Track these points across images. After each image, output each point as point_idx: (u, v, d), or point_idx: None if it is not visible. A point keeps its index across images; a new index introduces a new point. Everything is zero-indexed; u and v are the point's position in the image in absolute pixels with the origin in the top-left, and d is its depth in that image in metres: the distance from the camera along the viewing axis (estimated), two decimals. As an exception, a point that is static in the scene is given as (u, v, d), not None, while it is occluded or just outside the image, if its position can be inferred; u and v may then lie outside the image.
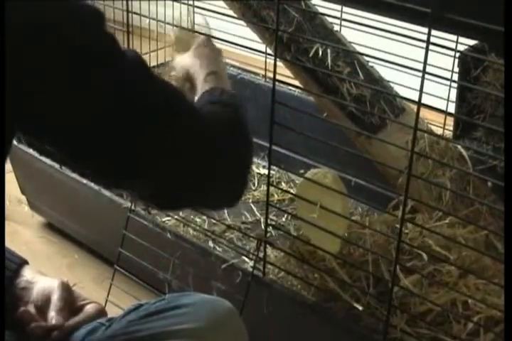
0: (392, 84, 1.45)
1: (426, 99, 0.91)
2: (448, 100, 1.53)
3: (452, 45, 1.40)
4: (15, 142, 1.63)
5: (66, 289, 0.93)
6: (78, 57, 0.67)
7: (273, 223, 1.58)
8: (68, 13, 0.66)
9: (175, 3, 1.60)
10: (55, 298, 0.91)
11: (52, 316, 0.89)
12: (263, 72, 1.87)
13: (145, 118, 0.74)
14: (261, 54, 1.77)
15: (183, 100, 0.80)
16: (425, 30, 0.83)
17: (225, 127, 0.86)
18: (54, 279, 0.95)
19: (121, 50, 0.72)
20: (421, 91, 0.87)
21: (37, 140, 0.76)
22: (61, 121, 0.70)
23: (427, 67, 0.85)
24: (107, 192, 1.48)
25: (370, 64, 1.41)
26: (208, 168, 0.82)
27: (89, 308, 0.94)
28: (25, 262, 0.97)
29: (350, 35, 1.43)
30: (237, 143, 0.88)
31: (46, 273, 1.01)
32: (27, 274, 0.95)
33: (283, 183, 1.81)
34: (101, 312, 0.94)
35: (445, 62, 1.42)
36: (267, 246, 1.21)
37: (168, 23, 1.78)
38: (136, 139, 0.74)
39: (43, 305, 0.92)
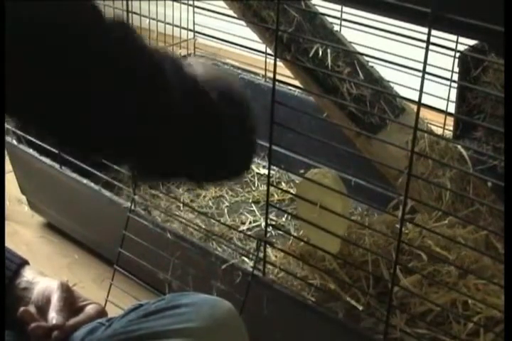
0: (392, 84, 1.45)
1: (426, 99, 0.91)
2: (448, 100, 1.53)
3: (452, 45, 1.40)
4: (15, 142, 1.63)
5: (66, 290, 0.93)
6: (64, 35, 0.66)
7: (273, 223, 1.58)
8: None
9: (175, 3, 1.60)
10: (55, 298, 0.92)
11: (53, 316, 0.89)
12: (263, 72, 1.87)
13: (126, 87, 0.72)
14: (261, 54, 1.78)
15: (172, 69, 0.79)
16: (425, 30, 0.83)
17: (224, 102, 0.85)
18: (54, 280, 0.95)
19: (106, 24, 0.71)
20: (421, 91, 0.87)
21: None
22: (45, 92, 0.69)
23: (427, 67, 0.85)
24: (107, 192, 1.48)
25: (370, 64, 1.41)
26: (203, 135, 0.81)
27: (90, 309, 0.94)
28: (25, 262, 0.97)
29: (350, 35, 1.43)
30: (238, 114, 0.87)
31: (46, 273, 1.01)
32: (27, 275, 0.95)
33: (283, 183, 1.81)
34: (101, 313, 0.95)
35: (445, 62, 1.42)
36: (267, 246, 1.21)
37: (168, 23, 1.79)
38: (117, 109, 0.73)
39: (43, 306, 0.92)
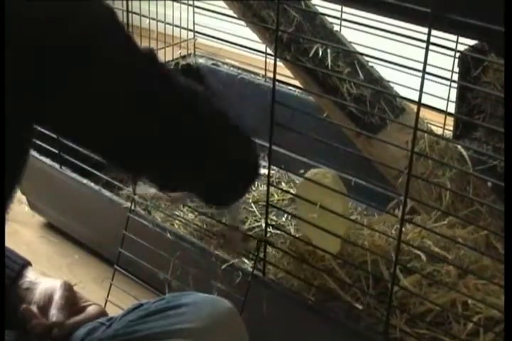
0: (392, 84, 1.45)
1: (426, 99, 0.91)
2: (448, 100, 1.53)
3: (452, 45, 1.40)
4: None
5: (68, 289, 0.93)
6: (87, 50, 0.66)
7: (273, 223, 1.58)
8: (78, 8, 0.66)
9: (175, 3, 1.60)
10: (57, 296, 0.92)
11: (54, 314, 0.90)
12: (263, 72, 1.87)
13: (152, 113, 0.73)
14: (261, 54, 1.77)
15: (200, 100, 0.80)
16: (425, 30, 0.83)
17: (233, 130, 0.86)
18: (57, 280, 0.95)
19: (135, 46, 0.72)
20: (421, 91, 0.87)
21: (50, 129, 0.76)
22: (69, 111, 0.70)
23: (427, 67, 0.85)
24: (107, 192, 1.48)
25: (370, 64, 1.41)
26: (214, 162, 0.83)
27: (91, 309, 0.94)
28: (28, 263, 0.98)
29: (350, 35, 1.43)
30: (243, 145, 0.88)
31: (46, 273, 1.01)
32: (30, 275, 0.96)
33: (283, 183, 1.80)
34: (102, 314, 0.95)
35: (445, 62, 1.42)
36: (267, 246, 1.21)
37: (168, 23, 1.79)
38: (140, 131, 0.74)
39: (45, 305, 0.92)
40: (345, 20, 1.15)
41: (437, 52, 1.04)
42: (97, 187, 1.49)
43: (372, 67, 1.42)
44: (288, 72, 1.36)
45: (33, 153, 1.59)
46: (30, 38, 0.64)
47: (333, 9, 1.38)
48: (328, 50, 1.33)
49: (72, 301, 0.93)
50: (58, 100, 0.68)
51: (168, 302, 0.93)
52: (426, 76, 0.86)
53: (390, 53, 1.42)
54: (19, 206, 1.83)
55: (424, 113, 1.03)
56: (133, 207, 1.40)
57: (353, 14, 1.34)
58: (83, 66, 0.68)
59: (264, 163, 1.82)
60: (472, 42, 1.41)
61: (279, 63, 1.16)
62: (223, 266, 1.25)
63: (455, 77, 1.46)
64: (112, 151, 0.77)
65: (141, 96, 0.72)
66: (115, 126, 0.72)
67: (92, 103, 0.70)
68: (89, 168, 1.49)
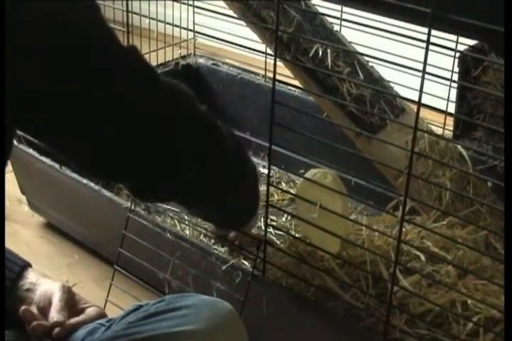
0: (392, 84, 1.45)
1: (426, 99, 0.91)
2: (448, 100, 1.53)
3: (452, 45, 1.40)
4: (15, 142, 1.63)
5: (67, 291, 0.94)
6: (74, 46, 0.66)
7: (273, 223, 1.58)
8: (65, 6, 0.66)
9: (175, 3, 1.60)
10: (56, 298, 0.92)
11: (53, 316, 0.90)
12: (263, 72, 1.87)
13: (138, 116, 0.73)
14: (261, 54, 1.78)
15: (184, 101, 0.80)
16: (425, 30, 0.83)
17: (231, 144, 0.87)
18: (56, 282, 0.96)
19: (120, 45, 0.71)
20: (421, 91, 0.87)
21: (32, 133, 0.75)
22: (56, 111, 0.69)
23: (427, 67, 0.85)
24: (107, 192, 1.48)
25: (370, 64, 1.41)
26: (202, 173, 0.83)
27: (91, 311, 0.94)
28: (28, 265, 0.98)
29: (350, 35, 1.43)
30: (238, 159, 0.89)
31: (46, 273, 1.01)
32: (31, 277, 0.96)
33: (283, 183, 1.80)
34: (102, 315, 0.95)
35: (445, 62, 1.42)
36: (267, 246, 1.21)
37: (168, 23, 1.79)
38: (129, 134, 0.74)
39: (45, 307, 0.92)
40: (345, 20, 1.15)
41: (437, 52, 1.04)
42: (97, 187, 1.49)
43: (372, 67, 1.42)
44: (288, 72, 1.36)
45: (33, 153, 1.60)
46: (30, 38, 0.64)
47: (333, 9, 1.38)
48: (328, 50, 1.33)
49: (71, 303, 0.93)
50: (57, 101, 0.68)
51: (168, 304, 0.93)
52: (426, 76, 0.86)
53: (390, 53, 1.42)
54: (19, 206, 1.83)
55: (424, 113, 1.03)
56: (133, 207, 1.40)
57: (353, 14, 1.34)
58: (83, 66, 0.68)
59: (264, 162, 1.82)
60: (472, 42, 1.41)
61: (279, 63, 1.16)
62: (223, 266, 1.25)
63: (455, 77, 1.46)
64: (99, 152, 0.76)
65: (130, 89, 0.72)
66: (111, 126, 0.72)
67: (92, 103, 0.69)
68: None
